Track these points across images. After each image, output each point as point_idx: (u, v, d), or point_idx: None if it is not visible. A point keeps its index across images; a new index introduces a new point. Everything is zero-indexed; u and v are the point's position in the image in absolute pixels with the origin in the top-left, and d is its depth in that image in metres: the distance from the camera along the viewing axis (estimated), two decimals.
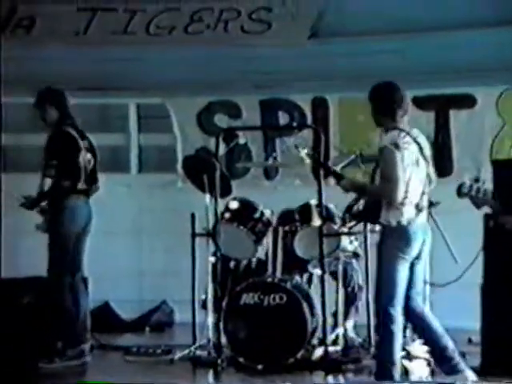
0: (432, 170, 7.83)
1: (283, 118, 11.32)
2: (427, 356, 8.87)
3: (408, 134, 7.67)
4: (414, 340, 9.10)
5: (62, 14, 11.60)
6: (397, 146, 7.59)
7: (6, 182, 11.70)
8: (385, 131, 7.80)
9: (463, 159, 10.59)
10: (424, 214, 7.79)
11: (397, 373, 7.75)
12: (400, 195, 7.51)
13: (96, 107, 10.18)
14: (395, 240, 7.63)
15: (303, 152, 8.38)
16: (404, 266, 7.65)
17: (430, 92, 10.94)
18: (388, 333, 7.70)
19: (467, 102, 10.49)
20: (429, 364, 8.76)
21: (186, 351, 9.33)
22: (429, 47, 10.66)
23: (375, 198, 7.86)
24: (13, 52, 11.34)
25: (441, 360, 7.94)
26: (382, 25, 10.87)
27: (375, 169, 7.92)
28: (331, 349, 9.02)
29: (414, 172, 7.64)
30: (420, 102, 10.91)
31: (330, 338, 9.11)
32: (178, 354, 9.34)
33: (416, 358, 8.81)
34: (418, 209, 7.70)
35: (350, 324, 9.36)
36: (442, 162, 10.79)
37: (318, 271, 9.18)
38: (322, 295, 9.02)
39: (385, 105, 7.80)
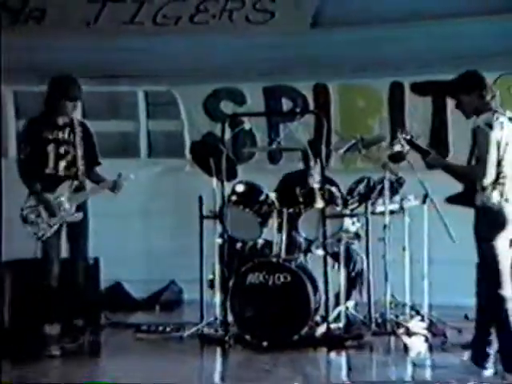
0: None
1: (286, 105, 11.34)
2: (425, 332, 9.03)
3: (502, 114, 7.53)
4: (412, 317, 9.26)
5: (72, 4, 11.59)
6: (490, 127, 7.45)
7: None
8: (477, 114, 7.62)
9: (459, 143, 10.58)
10: None
11: None
12: (489, 176, 7.31)
13: (106, 95, 10.20)
14: (493, 220, 7.41)
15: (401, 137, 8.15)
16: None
17: (429, 78, 10.90)
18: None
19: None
20: (426, 340, 8.89)
21: (195, 329, 9.37)
22: (427, 35, 10.61)
23: (461, 177, 7.55)
24: (25, 42, 11.43)
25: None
26: (382, 13, 10.80)
27: (472, 150, 7.58)
28: (333, 326, 9.05)
29: (508, 153, 7.48)
30: (419, 88, 11.02)
31: (333, 315, 9.10)
32: (186, 332, 9.38)
33: (414, 334, 8.96)
34: None
35: (351, 303, 9.37)
36: (440, 145, 10.85)
37: (320, 252, 9.20)
38: (325, 275, 9.04)
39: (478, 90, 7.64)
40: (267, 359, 8.51)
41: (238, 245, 9.44)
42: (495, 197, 7.36)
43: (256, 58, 11.10)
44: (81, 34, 11.53)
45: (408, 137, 8.09)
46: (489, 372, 7.51)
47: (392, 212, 9.30)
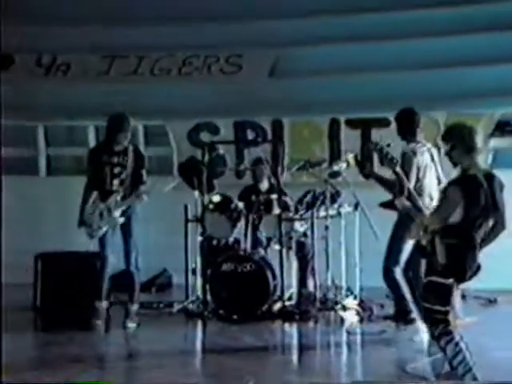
0: (440, 172, 7.77)
1: (250, 135, 11.28)
2: (356, 307, 9.03)
3: (424, 145, 7.71)
4: (347, 296, 9.26)
5: (90, 60, 11.56)
6: (414, 153, 7.66)
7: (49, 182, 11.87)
8: (407, 143, 7.80)
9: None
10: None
11: None
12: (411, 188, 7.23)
13: None
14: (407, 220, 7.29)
15: (349, 156, 8.22)
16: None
17: (358, 116, 10.95)
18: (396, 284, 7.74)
19: (384, 122, 10.45)
20: (357, 313, 8.90)
21: (181, 306, 9.35)
22: (359, 84, 10.68)
23: (389, 187, 7.37)
24: (54, 88, 11.43)
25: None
26: (322, 65, 10.86)
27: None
28: (287, 303, 9.07)
29: (427, 172, 7.69)
30: (352, 123, 11.03)
31: (286, 295, 9.13)
32: (175, 308, 9.37)
33: (348, 309, 8.97)
34: (431, 198, 7.64)
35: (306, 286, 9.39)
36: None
37: (277, 247, 9.21)
38: (280, 264, 9.08)
39: (408, 125, 7.81)
40: (236, 329, 8.54)
41: (215, 242, 9.42)
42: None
43: (228, 100, 11.09)
44: (96, 82, 11.50)
45: (354, 155, 8.17)
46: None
47: (331, 216, 9.30)
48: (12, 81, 11.50)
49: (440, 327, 6.03)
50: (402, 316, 7.90)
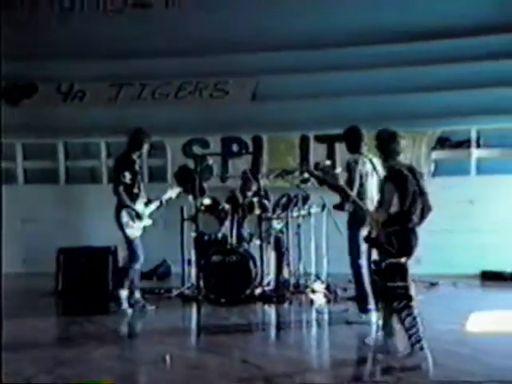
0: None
1: (235, 148, 11.22)
2: (324, 291, 9.00)
3: (366, 156, 7.70)
4: (316, 281, 9.21)
5: (101, 88, 11.49)
6: (356, 163, 7.65)
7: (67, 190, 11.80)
8: (352, 154, 7.79)
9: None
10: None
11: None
12: (354, 192, 7.42)
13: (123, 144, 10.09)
14: (359, 219, 7.45)
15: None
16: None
17: (325, 132, 10.94)
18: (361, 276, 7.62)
19: None
20: (325, 296, 8.87)
21: (178, 291, 9.32)
22: (326, 106, 10.70)
23: (339, 192, 7.56)
24: (72, 112, 11.41)
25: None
26: (295, 92, 10.86)
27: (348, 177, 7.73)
28: (266, 288, 9.06)
29: (368, 178, 7.65)
30: (318, 138, 11.04)
31: (266, 281, 9.12)
32: (173, 293, 9.34)
33: (317, 292, 8.94)
34: (373, 201, 7.51)
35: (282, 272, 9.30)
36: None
37: (258, 242, 9.16)
38: (261, 256, 9.06)
39: (354, 140, 7.77)
40: (225, 310, 8.51)
41: (206, 237, 9.32)
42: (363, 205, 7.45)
43: (216, 119, 11.06)
44: (107, 105, 11.43)
45: (308, 170, 8.22)
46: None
47: (303, 216, 9.31)
48: (36, 105, 11.51)
49: (403, 302, 6.08)
50: (361, 303, 7.81)
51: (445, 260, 10.18)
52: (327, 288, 9.07)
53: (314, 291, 8.93)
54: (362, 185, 7.64)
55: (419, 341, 6.10)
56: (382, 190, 6.27)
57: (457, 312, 8.00)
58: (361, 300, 7.78)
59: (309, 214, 9.35)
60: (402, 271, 6.10)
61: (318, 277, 9.35)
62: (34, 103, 11.52)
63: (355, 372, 6.29)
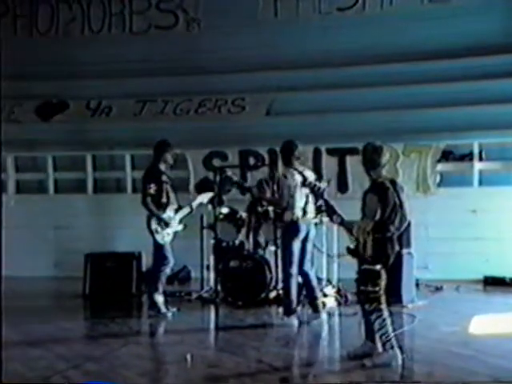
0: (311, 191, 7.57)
1: (252, 161, 11.25)
2: (335, 295, 8.98)
3: (295, 169, 7.72)
4: (327, 286, 9.16)
5: (127, 104, 11.55)
6: (285, 177, 7.76)
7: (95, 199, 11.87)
8: (285, 168, 7.89)
9: (353, 184, 10.66)
10: (309, 215, 7.77)
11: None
12: (284, 204, 7.60)
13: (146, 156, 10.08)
14: (291, 229, 7.66)
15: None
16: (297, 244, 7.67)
17: (336, 146, 10.98)
18: (289, 283, 7.73)
19: (356, 152, 10.32)
20: (336, 299, 8.85)
21: (198, 294, 9.35)
22: (334, 122, 10.71)
23: (272, 204, 7.98)
24: (99, 126, 11.50)
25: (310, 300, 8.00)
26: (307, 107, 10.89)
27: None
28: (280, 292, 8.85)
29: (297, 191, 7.70)
30: (330, 152, 11.06)
31: (280, 286, 8.94)
32: (193, 296, 9.37)
33: (328, 295, 8.90)
34: (304, 211, 7.74)
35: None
36: (343, 185, 10.92)
37: (273, 248, 9.11)
38: (275, 261, 9.00)
39: (285, 154, 7.89)
40: (241, 312, 8.50)
41: (224, 244, 9.33)
42: (289, 216, 7.65)
43: (234, 134, 11.08)
44: (132, 121, 11.47)
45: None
46: None
47: (316, 224, 9.24)
48: (67, 121, 11.61)
49: (374, 305, 6.09)
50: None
51: (449, 266, 10.18)
52: (338, 292, 9.03)
53: (325, 295, 8.87)
54: (291, 196, 7.69)
55: (388, 340, 6.12)
56: (364, 201, 6.29)
57: (460, 315, 7.98)
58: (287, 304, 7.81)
59: (321, 221, 9.28)
60: (376, 278, 6.11)
61: (329, 281, 9.31)
62: (64, 120, 11.62)
63: (366, 372, 6.27)
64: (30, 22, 11.76)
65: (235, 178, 8.12)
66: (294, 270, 7.68)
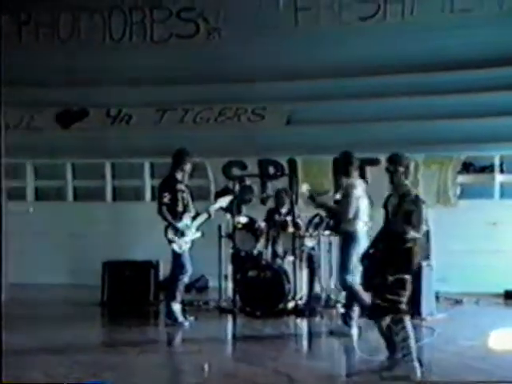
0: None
1: (271, 170, 11.29)
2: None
3: (356, 179, 7.85)
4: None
5: (147, 112, 11.61)
6: (353, 187, 7.76)
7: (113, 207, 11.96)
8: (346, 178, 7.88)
9: (374, 193, 10.65)
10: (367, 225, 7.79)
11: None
12: (351, 214, 7.62)
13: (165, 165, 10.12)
14: (354, 238, 7.64)
15: (304, 187, 8.30)
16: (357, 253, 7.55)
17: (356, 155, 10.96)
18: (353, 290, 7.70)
19: (376, 162, 10.44)
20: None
21: (216, 304, 9.37)
22: (354, 131, 10.71)
23: (335, 214, 7.88)
24: (120, 134, 11.60)
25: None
26: (327, 117, 10.93)
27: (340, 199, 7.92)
28: (299, 302, 9.02)
29: (361, 202, 7.76)
30: None
31: (298, 296, 9.07)
32: (211, 305, 9.41)
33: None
34: (365, 223, 7.77)
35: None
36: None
37: (291, 258, 9.16)
38: (294, 271, 9.05)
39: (345, 165, 7.90)
40: (259, 322, 8.51)
41: (242, 253, 9.33)
42: (353, 225, 7.65)
43: (254, 143, 11.12)
44: (152, 129, 11.54)
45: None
46: None
47: (334, 235, 9.28)
48: (86, 129, 11.71)
49: (399, 315, 6.08)
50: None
51: (469, 279, 10.13)
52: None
53: (344, 306, 8.89)
54: (357, 206, 7.73)
55: (409, 353, 6.09)
56: (413, 211, 6.21)
57: (479, 329, 7.92)
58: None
59: None
60: (403, 287, 6.10)
61: None
62: (84, 127, 11.72)
63: None
64: (52, 30, 11.88)
65: (308, 192, 8.09)
66: (351, 278, 7.65)
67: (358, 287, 7.51)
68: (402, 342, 6.09)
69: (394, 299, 6.05)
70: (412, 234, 6.01)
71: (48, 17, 11.90)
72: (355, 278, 7.57)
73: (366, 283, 6.34)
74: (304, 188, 8.21)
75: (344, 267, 7.74)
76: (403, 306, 6.09)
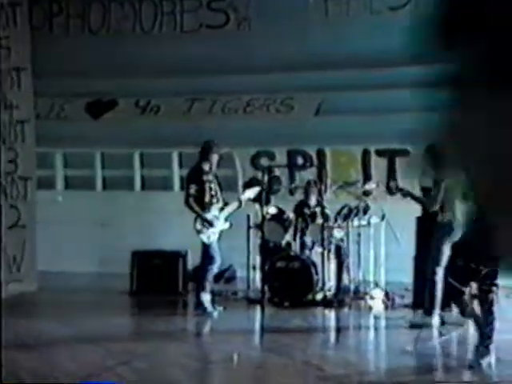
0: None
1: (300, 161, 11.23)
2: (382, 298, 8.98)
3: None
4: (374, 287, 9.16)
5: (175, 102, 11.59)
6: (442, 180, 7.61)
7: (142, 196, 12.04)
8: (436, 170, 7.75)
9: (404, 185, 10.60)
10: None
11: None
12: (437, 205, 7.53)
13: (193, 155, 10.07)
14: (446, 230, 7.52)
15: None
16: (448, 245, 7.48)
17: (385, 147, 10.94)
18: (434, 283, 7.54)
19: (405, 153, 10.43)
20: (383, 302, 8.84)
21: (244, 294, 9.43)
22: (384, 122, 10.60)
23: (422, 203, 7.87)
24: (148, 124, 11.62)
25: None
26: (357, 107, 10.81)
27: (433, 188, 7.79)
28: (327, 293, 9.05)
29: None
30: (380, 153, 11.03)
31: (326, 287, 9.11)
32: (239, 295, 9.47)
33: (375, 299, 8.91)
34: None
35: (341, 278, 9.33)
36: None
37: (319, 249, 9.21)
38: (322, 262, 9.08)
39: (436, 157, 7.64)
40: (287, 313, 8.54)
41: (271, 244, 9.36)
42: (446, 216, 7.51)
43: (282, 133, 11.05)
44: (180, 119, 11.47)
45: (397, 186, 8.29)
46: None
47: (363, 225, 9.29)
48: (116, 119, 11.78)
49: (492, 306, 6.06)
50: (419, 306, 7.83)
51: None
52: (386, 295, 9.02)
53: (372, 298, 8.91)
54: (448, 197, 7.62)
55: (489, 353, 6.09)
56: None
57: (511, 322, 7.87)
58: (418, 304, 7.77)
59: (368, 224, 9.32)
60: (496, 277, 6.08)
61: (376, 284, 9.30)
62: (114, 117, 11.80)
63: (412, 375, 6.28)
64: (83, 21, 11.95)
65: (406, 189, 8.11)
66: (440, 271, 7.52)
67: (440, 282, 7.44)
68: (488, 339, 6.08)
69: (490, 289, 6.03)
70: None
71: (79, 8, 11.97)
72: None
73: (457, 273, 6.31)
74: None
75: (433, 259, 7.58)
76: (493, 296, 6.07)
